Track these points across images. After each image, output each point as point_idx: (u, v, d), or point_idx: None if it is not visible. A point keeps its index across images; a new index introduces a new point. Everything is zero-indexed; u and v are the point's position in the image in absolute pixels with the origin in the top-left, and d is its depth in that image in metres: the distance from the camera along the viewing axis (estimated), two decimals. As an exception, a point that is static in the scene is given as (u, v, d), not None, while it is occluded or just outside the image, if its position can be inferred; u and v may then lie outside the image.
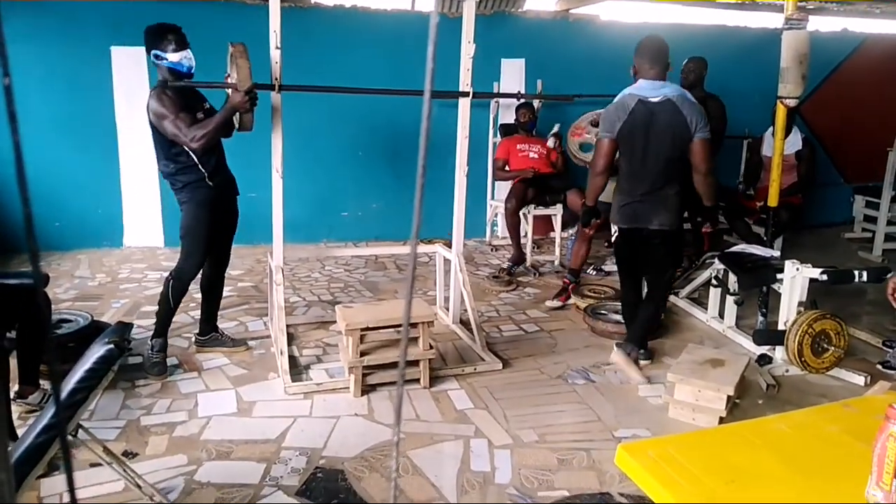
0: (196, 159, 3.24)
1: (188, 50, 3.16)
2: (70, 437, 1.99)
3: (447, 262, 4.05)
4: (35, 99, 5.24)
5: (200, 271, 3.43)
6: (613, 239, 3.72)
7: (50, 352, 2.98)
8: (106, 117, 5.41)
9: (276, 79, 3.23)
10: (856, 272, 3.44)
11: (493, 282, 4.96)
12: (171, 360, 3.43)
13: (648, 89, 3.24)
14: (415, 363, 3.19)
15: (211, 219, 3.31)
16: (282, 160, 3.38)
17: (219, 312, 3.71)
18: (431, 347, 3.23)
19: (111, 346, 2.06)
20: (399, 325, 3.23)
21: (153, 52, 3.12)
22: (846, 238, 6.62)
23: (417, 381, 3.23)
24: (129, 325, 2.28)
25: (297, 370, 3.39)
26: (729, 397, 2.86)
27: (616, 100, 3.33)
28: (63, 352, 3.17)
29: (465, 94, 3.64)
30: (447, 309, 4.13)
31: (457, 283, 3.92)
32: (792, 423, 1.73)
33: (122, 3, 5.19)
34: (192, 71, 3.19)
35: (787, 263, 3.46)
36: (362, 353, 3.12)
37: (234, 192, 3.52)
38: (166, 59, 3.11)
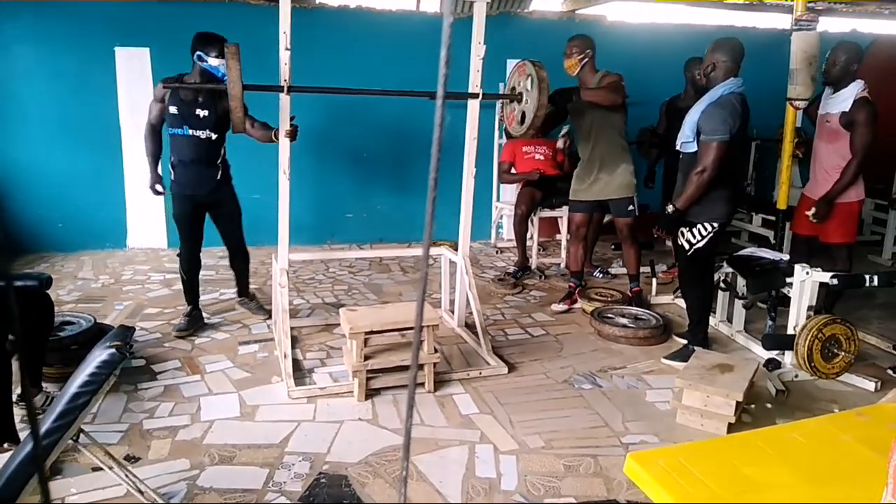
0: (170, 160, 3.75)
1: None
2: (71, 442, 1.98)
3: (453, 264, 4.02)
4: (39, 99, 5.24)
5: (192, 255, 3.91)
6: (707, 237, 3.43)
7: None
8: (110, 118, 5.40)
9: (286, 80, 3.20)
10: (866, 276, 3.40)
11: (498, 285, 4.93)
12: (173, 363, 3.43)
13: (740, 86, 3.32)
14: (419, 367, 3.16)
15: (185, 214, 3.80)
16: (289, 162, 3.35)
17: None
18: (436, 351, 3.20)
19: (113, 350, 2.05)
20: (403, 329, 3.21)
21: (197, 52, 3.55)
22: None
23: (422, 385, 3.20)
24: (132, 329, 2.27)
25: (300, 374, 3.37)
26: (738, 403, 2.82)
27: (721, 100, 3.27)
28: (66, 354, 3.17)
29: (475, 96, 3.59)
30: (452, 312, 4.09)
31: (462, 286, 3.88)
32: (804, 432, 1.70)
33: (127, 3, 5.20)
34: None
35: (797, 267, 3.42)
36: (366, 357, 3.10)
37: (205, 190, 3.79)
38: (207, 62, 3.55)
